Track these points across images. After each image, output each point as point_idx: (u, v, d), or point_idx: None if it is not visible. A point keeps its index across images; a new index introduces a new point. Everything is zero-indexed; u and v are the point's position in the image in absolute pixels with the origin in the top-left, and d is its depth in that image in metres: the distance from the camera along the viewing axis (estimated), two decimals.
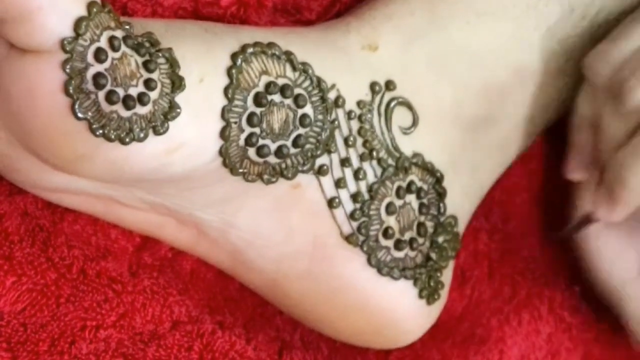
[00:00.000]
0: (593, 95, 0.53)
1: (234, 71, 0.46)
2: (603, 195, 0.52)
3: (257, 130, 0.46)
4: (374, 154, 0.50)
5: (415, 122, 0.51)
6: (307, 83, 0.48)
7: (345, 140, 0.49)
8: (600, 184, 0.52)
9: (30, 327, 0.48)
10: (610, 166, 0.51)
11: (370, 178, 0.50)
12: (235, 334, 0.52)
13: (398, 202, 0.51)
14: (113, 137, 0.43)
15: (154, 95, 0.44)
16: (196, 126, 0.45)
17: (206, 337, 0.51)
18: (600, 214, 0.52)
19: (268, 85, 0.47)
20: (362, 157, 0.50)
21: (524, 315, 0.58)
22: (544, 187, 0.61)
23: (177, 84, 0.44)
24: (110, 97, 0.42)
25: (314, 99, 0.48)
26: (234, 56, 0.46)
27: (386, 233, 0.50)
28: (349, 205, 0.50)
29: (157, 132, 0.44)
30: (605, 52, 0.51)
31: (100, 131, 0.43)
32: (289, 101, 0.47)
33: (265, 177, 0.48)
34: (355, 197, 0.50)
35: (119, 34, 0.43)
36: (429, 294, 0.52)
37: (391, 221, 0.50)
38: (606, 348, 0.60)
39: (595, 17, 0.52)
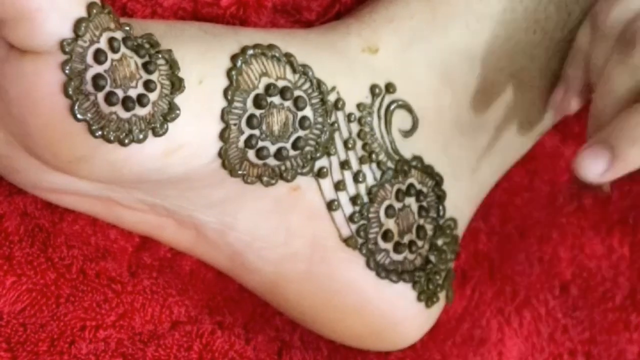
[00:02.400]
0: (594, 37, 0.50)
1: (233, 73, 0.46)
2: (599, 153, 0.48)
3: (256, 132, 0.46)
4: (374, 156, 0.50)
5: (415, 125, 0.51)
6: (307, 85, 0.48)
7: (345, 143, 0.49)
8: (595, 141, 0.48)
9: (29, 327, 0.48)
10: (619, 122, 0.47)
11: (370, 181, 0.50)
12: (234, 334, 0.52)
13: (397, 205, 0.50)
14: (112, 138, 0.43)
15: (153, 96, 0.43)
16: (196, 127, 0.45)
17: (205, 337, 0.51)
18: (593, 170, 0.47)
19: (268, 87, 0.47)
20: (361, 160, 0.49)
21: (525, 315, 0.58)
22: (544, 187, 0.61)
23: (176, 85, 0.44)
24: (109, 99, 0.42)
25: (313, 101, 0.48)
26: (233, 58, 0.46)
27: (385, 236, 0.50)
28: (348, 208, 0.50)
29: (156, 134, 0.44)
30: (620, 1, 0.48)
31: (100, 132, 0.43)
32: (288, 103, 0.47)
33: (265, 179, 0.48)
34: (354, 199, 0.49)
35: (118, 35, 0.43)
36: (427, 296, 0.52)
37: (390, 224, 0.50)
38: (605, 349, 0.60)
39: None
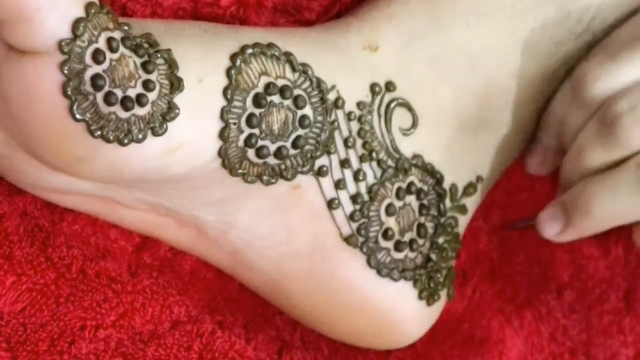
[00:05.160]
0: (573, 101, 0.51)
1: (233, 72, 0.46)
2: (556, 215, 0.51)
3: (256, 131, 0.46)
4: (374, 155, 0.50)
5: (415, 123, 0.51)
6: (306, 84, 0.48)
7: (345, 142, 0.49)
8: (556, 203, 0.51)
9: (29, 326, 0.48)
10: (576, 191, 0.50)
11: (370, 179, 0.50)
12: (235, 334, 0.52)
13: (398, 203, 0.50)
14: (112, 138, 0.43)
15: (152, 96, 0.43)
16: (195, 127, 0.45)
17: (206, 337, 0.51)
18: (548, 231, 0.51)
19: (267, 86, 0.47)
20: (361, 159, 0.49)
21: (526, 315, 0.58)
22: (544, 187, 0.61)
23: (175, 85, 0.44)
24: (108, 99, 0.42)
25: (313, 100, 0.48)
26: (233, 57, 0.46)
27: (386, 234, 0.50)
28: (348, 207, 0.49)
29: (155, 133, 0.44)
30: (605, 72, 0.49)
31: (99, 132, 0.43)
32: (288, 102, 0.47)
33: (265, 178, 0.48)
34: (354, 198, 0.49)
35: (117, 35, 0.43)
36: (428, 295, 0.52)
37: (391, 222, 0.50)
38: (601, 351, 0.60)
39: (591, 22, 0.52)
